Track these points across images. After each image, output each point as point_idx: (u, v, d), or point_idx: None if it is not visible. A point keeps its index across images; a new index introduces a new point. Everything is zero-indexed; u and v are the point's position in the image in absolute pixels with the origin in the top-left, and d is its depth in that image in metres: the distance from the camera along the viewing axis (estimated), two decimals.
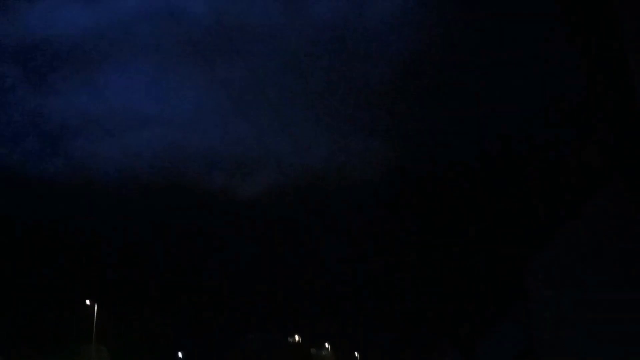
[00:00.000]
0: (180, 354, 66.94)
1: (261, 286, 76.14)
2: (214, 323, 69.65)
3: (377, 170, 74.60)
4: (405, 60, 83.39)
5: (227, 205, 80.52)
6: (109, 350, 57.59)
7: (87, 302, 55.72)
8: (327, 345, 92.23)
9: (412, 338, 72.70)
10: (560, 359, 20.19)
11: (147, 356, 59.83)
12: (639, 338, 18.90)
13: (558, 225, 23.08)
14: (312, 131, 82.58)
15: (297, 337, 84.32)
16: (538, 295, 21.16)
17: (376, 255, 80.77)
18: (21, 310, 55.19)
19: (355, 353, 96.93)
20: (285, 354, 73.95)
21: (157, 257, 70.36)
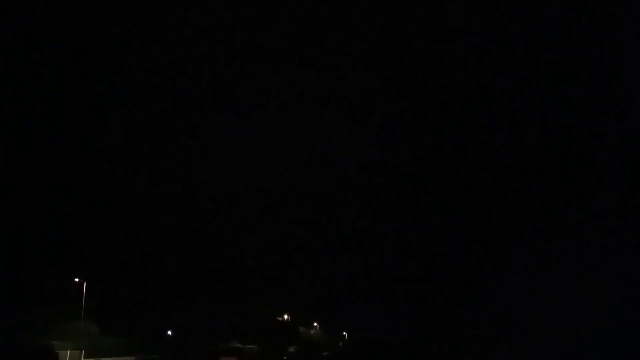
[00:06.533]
0: (169, 332, 67.10)
1: (255, 264, 76.46)
2: (204, 300, 69.94)
3: None
4: None
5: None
6: (99, 328, 57.67)
7: (76, 279, 55.57)
8: (315, 324, 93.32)
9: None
10: None
11: (138, 334, 60.03)
12: None
13: None
14: None
15: (286, 316, 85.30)
16: None
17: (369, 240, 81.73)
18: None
19: (344, 332, 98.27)
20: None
21: (151, 232, 70.05)
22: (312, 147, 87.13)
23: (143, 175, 74.53)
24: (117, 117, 79.86)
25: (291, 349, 78.87)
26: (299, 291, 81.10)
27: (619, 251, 63.40)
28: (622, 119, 68.22)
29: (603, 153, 71.13)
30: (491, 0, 75.65)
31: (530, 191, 74.21)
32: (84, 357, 54.17)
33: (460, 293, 73.16)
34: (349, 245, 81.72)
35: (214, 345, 67.94)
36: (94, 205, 68.45)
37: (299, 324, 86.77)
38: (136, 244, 67.33)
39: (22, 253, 58.68)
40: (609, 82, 69.51)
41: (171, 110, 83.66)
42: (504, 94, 78.74)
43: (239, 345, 74.09)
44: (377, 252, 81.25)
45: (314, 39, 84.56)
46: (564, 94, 74.70)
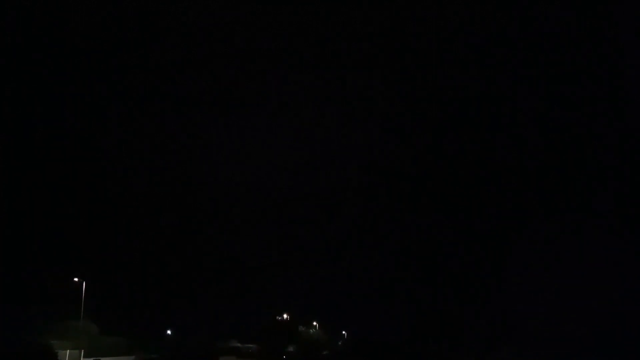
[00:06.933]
0: (169, 332, 67.17)
1: (255, 264, 76.45)
2: (204, 300, 69.97)
3: None
4: None
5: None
6: (98, 327, 57.71)
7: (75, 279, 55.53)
8: (315, 323, 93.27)
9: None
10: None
11: (137, 333, 60.08)
12: None
13: None
14: None
15: (285, 315, 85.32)
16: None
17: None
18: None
19: (343, 331, 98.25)
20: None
21: (151, 232, 70.08)
22: (312, 147, 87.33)
23: (143, 176, 74.64)
24: (117, 117, 79.96)
25: (290, 349, 78.86)
26: (299, 291, 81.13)
27: (619, 251, 63.44)
28: (622, 119, 68.36)
29: (603, 153, 71.23)
30: (491, 0, 75.87)
31: (530, 191, 74.39)
32: (84, 357, 54.22)
33: (460, 293, 73.25)
34: (349, 245, 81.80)
35: (213, 345, 68.02)
36: (94, 205, 68.55)
37: (298, 324, 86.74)
38: (136, 244, 67.41)
39: (22, 253, 58.74)
40: (609, 82, 69.63)
41: (171, 110, 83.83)
42: (504, 94, 78.91)
43: (239, 344, 74.20)
44: (377, 252, 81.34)
45: (314, 39, 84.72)
46: (564, 94, 74.84)
